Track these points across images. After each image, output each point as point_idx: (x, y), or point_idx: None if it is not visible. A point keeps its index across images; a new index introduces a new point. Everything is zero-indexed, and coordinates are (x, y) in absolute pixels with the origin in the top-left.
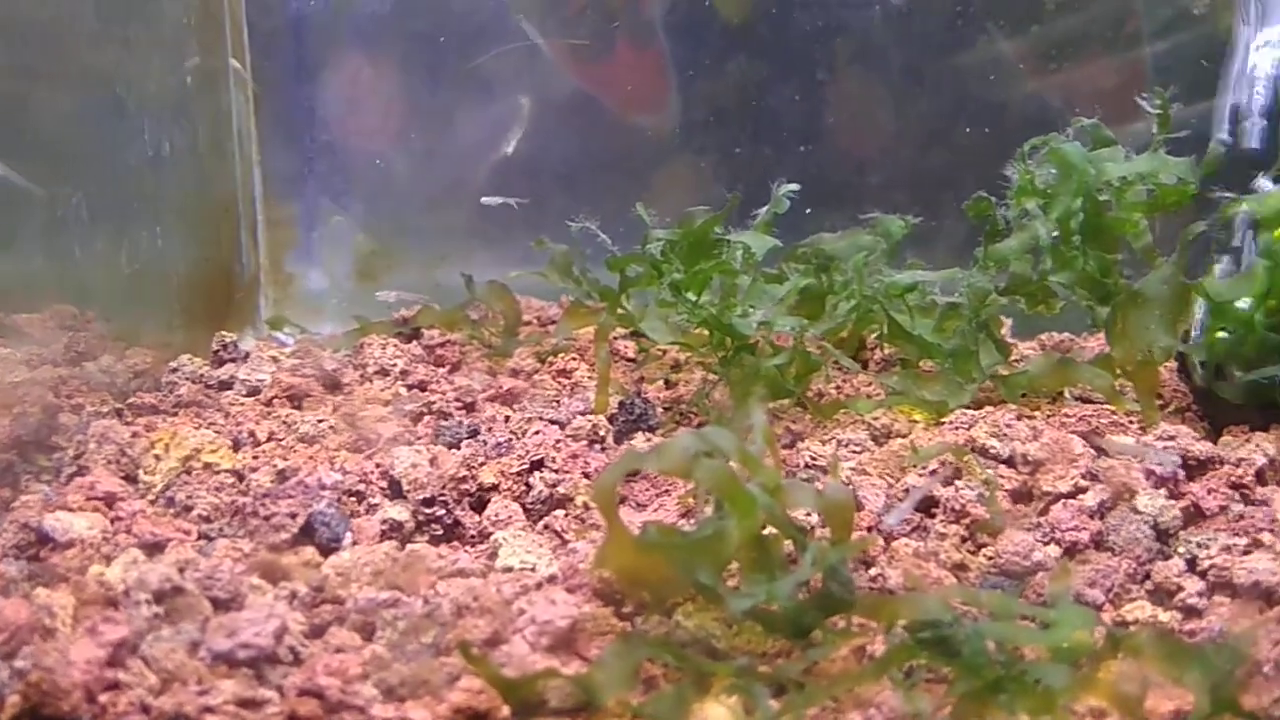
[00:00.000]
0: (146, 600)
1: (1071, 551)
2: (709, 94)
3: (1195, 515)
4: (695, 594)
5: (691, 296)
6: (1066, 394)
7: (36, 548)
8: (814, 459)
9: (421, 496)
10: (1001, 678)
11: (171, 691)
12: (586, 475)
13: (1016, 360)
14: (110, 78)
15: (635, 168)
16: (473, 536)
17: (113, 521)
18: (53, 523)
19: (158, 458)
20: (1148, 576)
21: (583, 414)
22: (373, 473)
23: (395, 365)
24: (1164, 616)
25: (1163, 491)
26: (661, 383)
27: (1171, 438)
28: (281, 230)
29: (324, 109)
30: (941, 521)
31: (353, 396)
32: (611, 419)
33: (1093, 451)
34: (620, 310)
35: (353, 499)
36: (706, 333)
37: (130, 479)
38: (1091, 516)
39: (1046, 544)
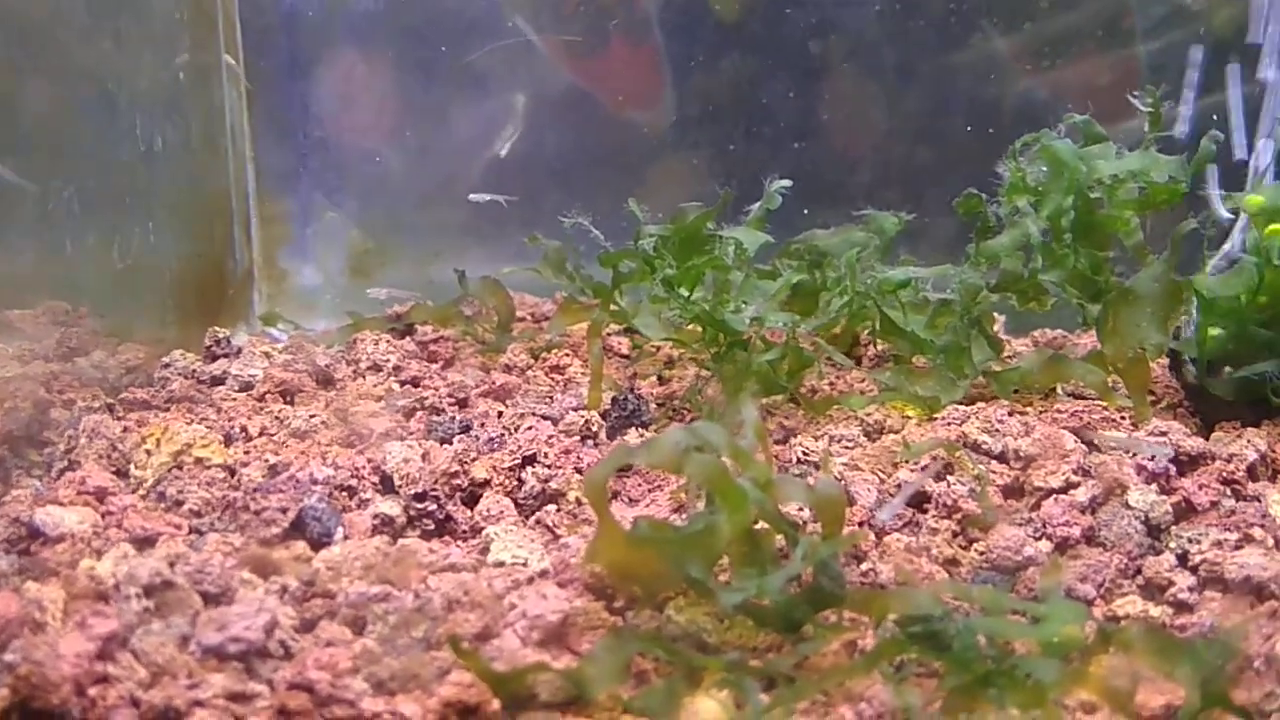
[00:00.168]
0: (137, 594)
1: (1063, 546)
2: (703, 90)
3: (1186, 510)
4: (686, 588)
5: (684, 292)
6: (1059, 390)
7: (27, 542)
8: (806, 454)
9: (413, 491)
10: (992, 672)
11: (161, 685)
12: (579, 471)
13: (1009, 357)
14: (102, 73)
15: (629, 164)
16: (464, 531)
17: (103, 516)
18: (43, 517)
19: (149, 452)
20: (1139, 571)
21: (576, 410)
22: (364, 468)
23: (388, 361)
24: (1155, 611)
25: (1154, 487)
26: (655, 379)
27: (1163, 434)
28: (275, 226)
29: (317, 105)
30: (933, 517)
31: (345, 392)
32: (604, 415)
33: (1084, 447)
34: (613, 306)
35: (344, 494)
36: (699, 329)
37: (121, 474)
38: (1083, 512)
39: (1038, 539)
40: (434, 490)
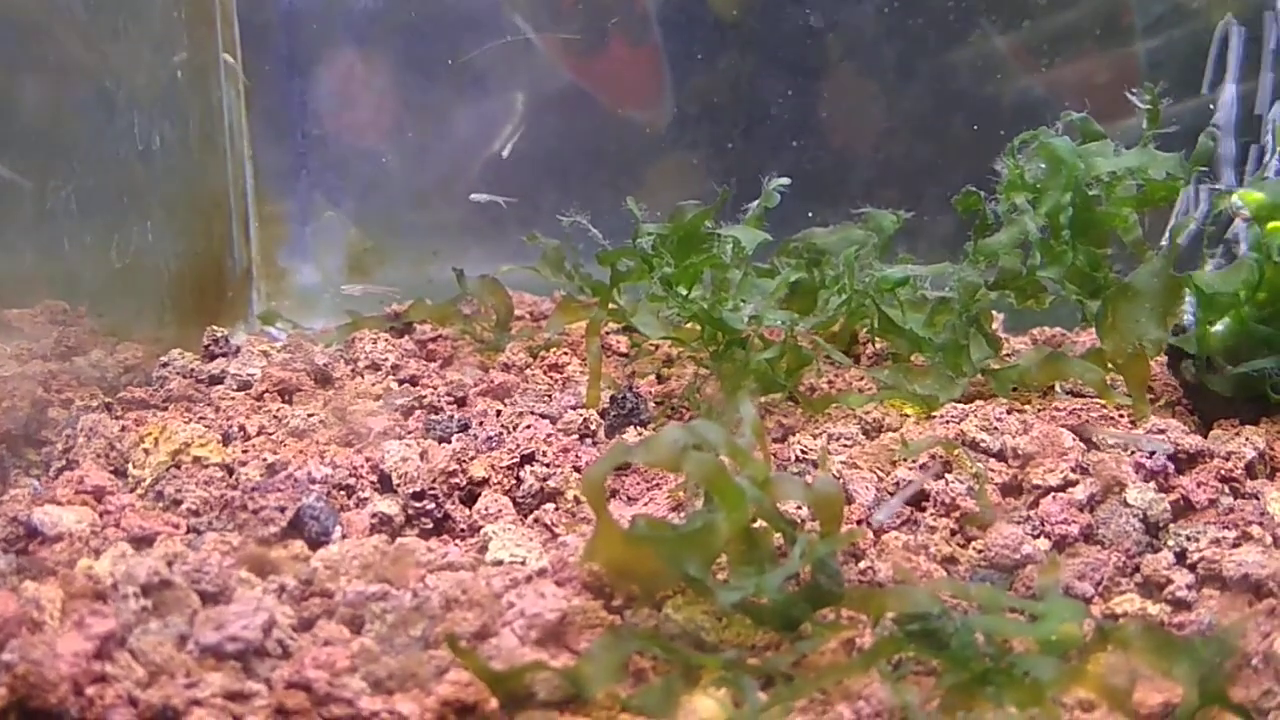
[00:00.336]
0: (134, 593)
1: (1061, 544)
2: (702, 89)
3: (1185, 508)
4: (684, 587)
5: (682, 291)
6: (1057, 388)
7: (25, 541)
8: (805, 453)
9: (411, 490)
10: (990, 670)
11: (159, 684)
12: (577, 469)
13: (1007, 355)
14: (100, 71)
15: (627, 162)
16: (462, 530)
17: (101, 515)
18: (41, 516)
19: (147, 452)
20: (1137, 569)
21: (574, 408)
22: (362, 467)
23: (386, 360)
24: (1153, 609)
25: (1152, 485)
26: (653, 377)
27: (1162, 431)
28: (274, 225)
29: (316, 104)
30: (931, 515)
31: (343, 391)
32: (603, 413)
33: (1082, 445)
34: (612, 305)
35: (342, 493)
36: (698, 327)
37: (119, 473)
38: (1081, 510)
39: (1036, 537)
40: (432, 489)
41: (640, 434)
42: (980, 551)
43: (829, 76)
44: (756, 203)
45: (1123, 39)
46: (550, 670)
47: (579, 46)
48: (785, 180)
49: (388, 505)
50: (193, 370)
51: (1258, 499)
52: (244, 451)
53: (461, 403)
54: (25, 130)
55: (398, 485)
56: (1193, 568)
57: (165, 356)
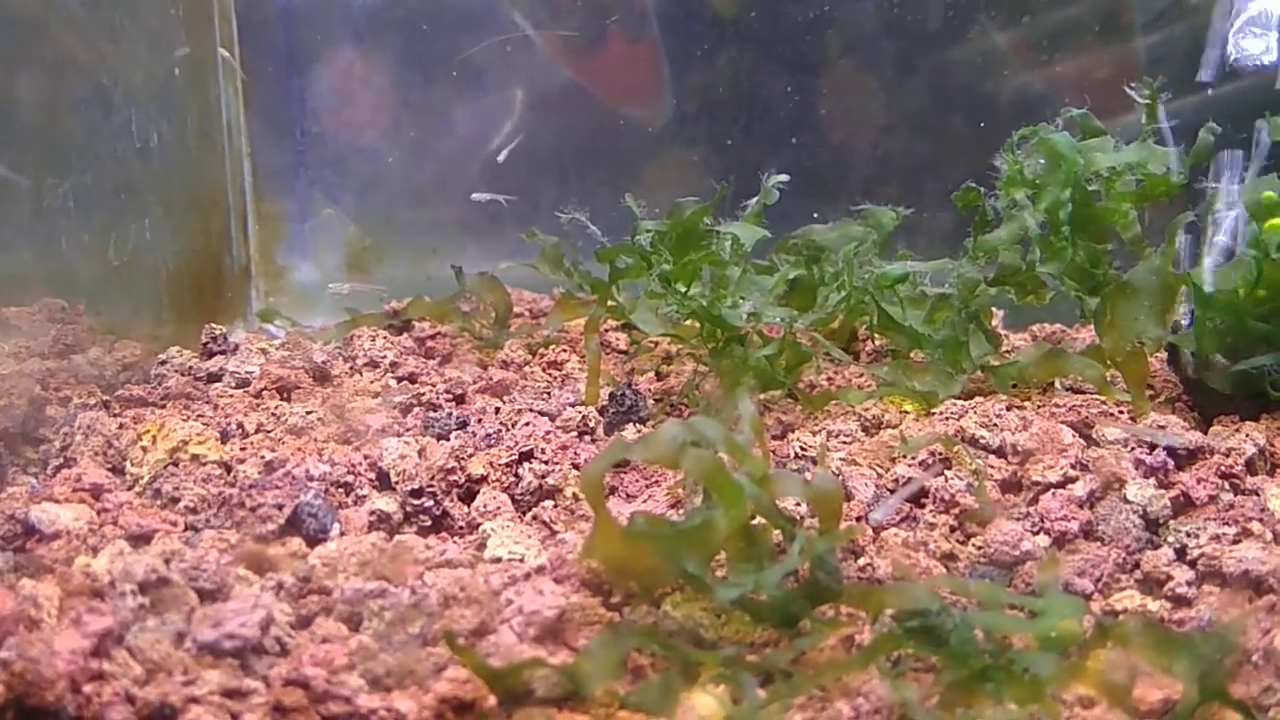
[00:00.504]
0: (132, 591)
1: (1060, 541)
2: (700, 86)
3: (1185, 505)
4: (683, 584)
5: (681, 288)
6: (1057, 385)
7: (22, 539)
8: (804, 449)
9: (410, 488)
10: (989, 667)
11: (157, 682)
12: (576, 466)
13: (1007, 351)
14: (97, 68)
15: (626, 159)
16: (461, 527)
17: (99, 513)
18: (39, 514)
19: (145, 449)
20: (1137, 566)
21: (573, 405)
22: (361, 464)
23: (385, 357)
24: (1153, 606)
25: (1152, 481)
26: (652, 374)
27: (1162, 427)
28: (272, 223)
29: (315, 101)
30: (931, 511)
31: (342, 388)
32: (602, 410)
33: (1082, 441)
34: (611, 302)
35: (340, 490)
36: (697, 324)
37: (117, 471)
38: (1081, 506)
39: (1036, 533)
40: (431, 486)
41: (639, 431)
42: (980, 548)
43: (828, 73)
44: (755, 199)
45: (1122, 35)
46: (549, 667)
47: (578, 44)
48: (784, 177)
49: (386, 502)
50: (191, 368)
51: (1258, 495)
52: (242, 449)
53: (460, 400)
54: (23, 128)
55: (396, 482)
56: (1193, 564)
57: (163, 354)
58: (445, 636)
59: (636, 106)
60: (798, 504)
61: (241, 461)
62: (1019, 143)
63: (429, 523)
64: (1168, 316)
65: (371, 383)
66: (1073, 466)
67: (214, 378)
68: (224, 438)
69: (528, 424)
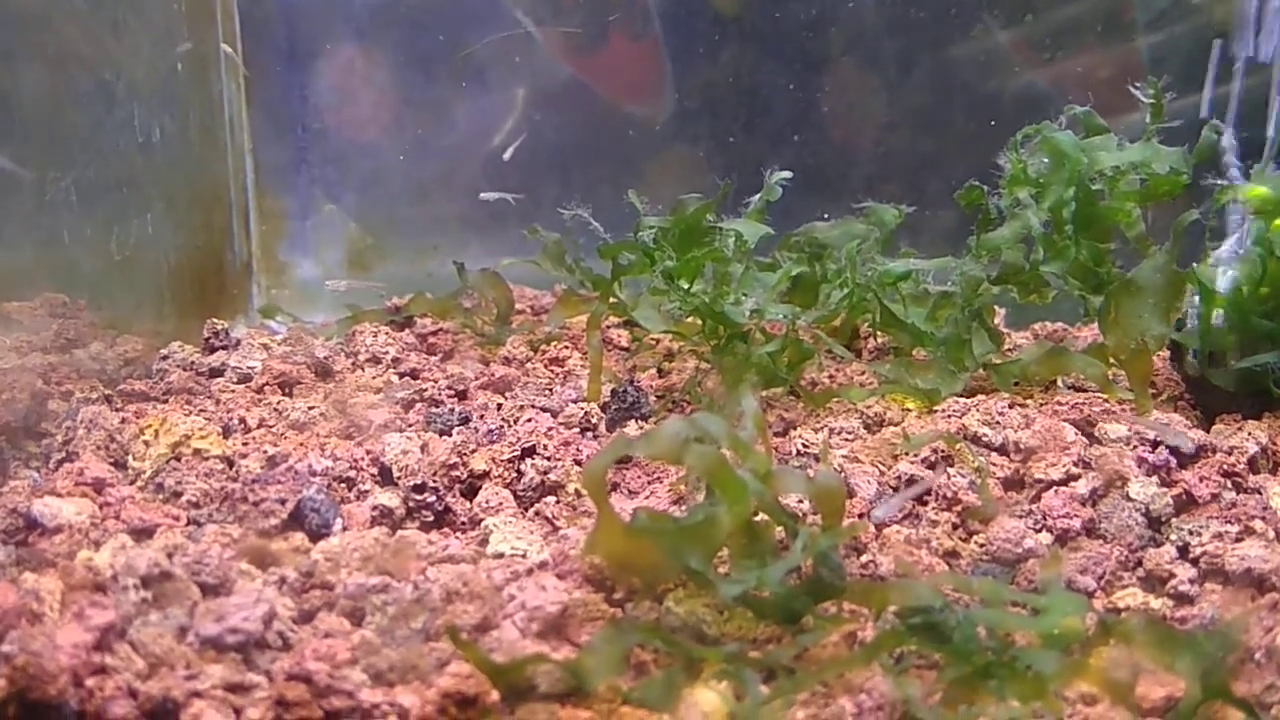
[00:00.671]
0: (134, 585)
1: (1063, 538)
2: (702, 83)
3: (1187, 503)
4: (686, 580)
5: (684, 284)
6: (1059, 383)
7: (25, 533)
8: (806, 446)
9: (412, 483)
10: (992, 664)
11: (159, 676)
12: (578, 463)
13: (1009, 350)
14: (100, 62)
15: (629, 156)
16: (463, 523)
17: (101, 507)
18: (41, 508)
19: (147, 444)
20: (1139, 564)
21: (575, 402)
22: (363, 459)
23: (387, 353)
24: (1155, 603)
25: (1155, 479)
26: (654, 371)
27: (1165, 424)
28: (274, 219)
29: (316, 97)
30: (933, 509)
31: (344, 384)
32: (604, 407)
33: (1085, 439)
34: (613, 299)
35: (343, 485)
36: (699, 321)
37: (119, 465)
38: (1083, 504)
39: (1038, 531)
40: (433, 482)
41: (641, 428)
42: (982, 545)
43: (830, 70)
44: (758, 196)
45: (1124, 34)
46: (551, 663)
47: (580, 41)
48: (787, 174)
49: (388, 498)
50: (193, 363)
51: (1260, 494)
52: (244, 444)
53: (462, 396)
54: (25, 122)
55: (398, 478)
56: (1195, 562)
57: (165, 349)
58: (448, 631)
59: (638, 103)
60: (800, 501)
61: (244, 456)
62: (1023, 141)
63: (431, 518)
64: (1171, 315)
65: (373, 378)
66: (1075, 464)
67: (216, 373)
68: (226, 433)
69: (530, 420)
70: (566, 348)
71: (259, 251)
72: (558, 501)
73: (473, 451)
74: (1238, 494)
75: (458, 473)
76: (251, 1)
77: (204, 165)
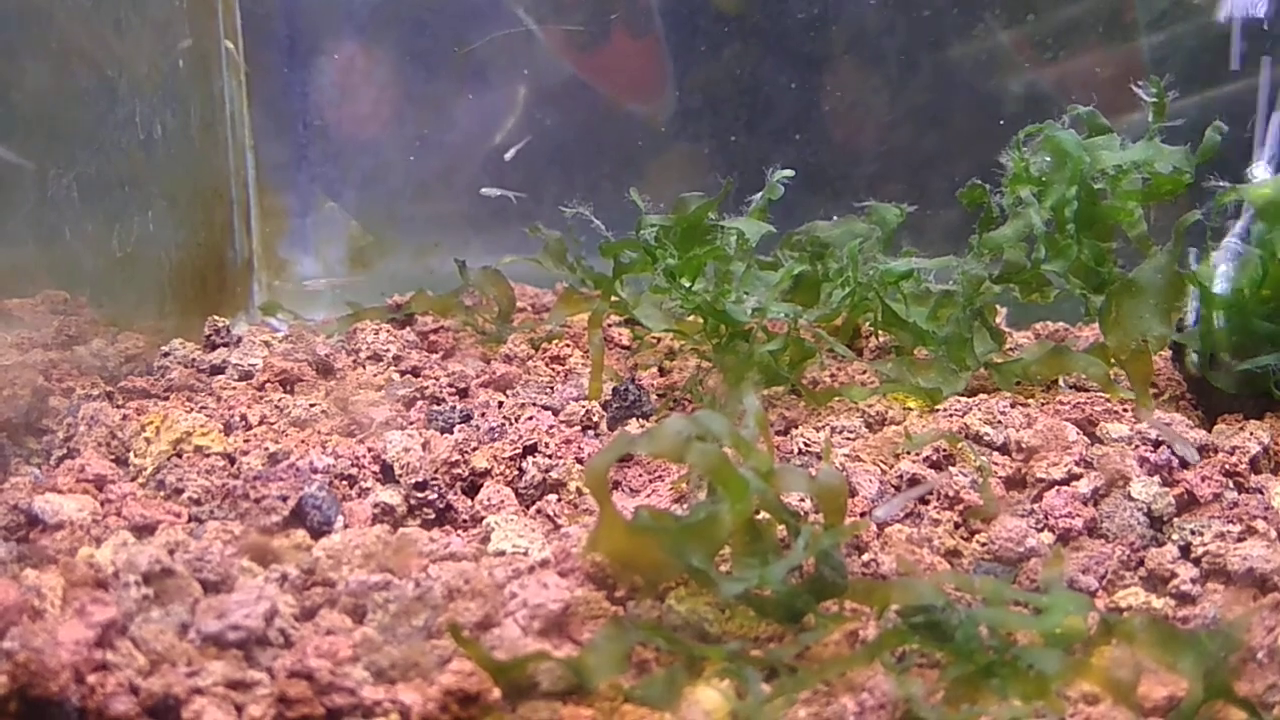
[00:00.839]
0: (136, 582)
1: (1065, 538)
2: (705, 81)
3: (1189, 502)
4: (687, 578)
5: (685, 283)
6: (1060, 382)
7: (26, 529)
8: (807, 445)
9: (413, 480)
10: (994, 663)
11: (160, 673)
12: (579, 461)
13: (1009, 349)
14: (101, 59)
15: (630, 154)
16: (465, 521)
17: (102, 504)
18: (42, 505)
19: (148, 441)
20: (1141, 563)
21: (576, 400)
22: (364, 457)
23: (388, 351)
24: (1158, 603)
25: (1156, 479)
26: (655, 369)
27: (1166, 424)
28: (275, 217)
29: (317, 94)
30: (935, 508)
31: (345, 381)
32: (605, 405)
33: (1087, 439)
34: (614, 297)
35: (344, 483)
36: (700, 320)
37: (120, 462)
38: (1085, 503)
39: (1040, 530)
40: (434, 479)
41: (642, 426)
42: (984, 545)
43: (833, 69)
44: (760, 195)
45: (1125, 34)
46: (553, 660)
47: (581, 39)
48: (789, 172)
49: (390, 495)
50: (194, 360)
51: (1262, 494)
52: (245, 441)
53: (463, 394)
54: (26, 118)
55: (400, 475)
56: (1197, 562)
57: (166, 346)
58: (450, 629)
59: (640, 102)
60: (802, 499)
61: (245, 453)
62: (1025, 140)
63: (433, 516)
64: (1172, 315)
65: (375, 376)
66: (1077, 464)
67: (217, 370)
68: (227, 430)
69: (531, 418)
70: (568, 346)
71: (259, 249)
72: (559, 499)
73: (474, 449)
74: (1239, 494)
75: (459, 470)
76: None
77: (205, 162)
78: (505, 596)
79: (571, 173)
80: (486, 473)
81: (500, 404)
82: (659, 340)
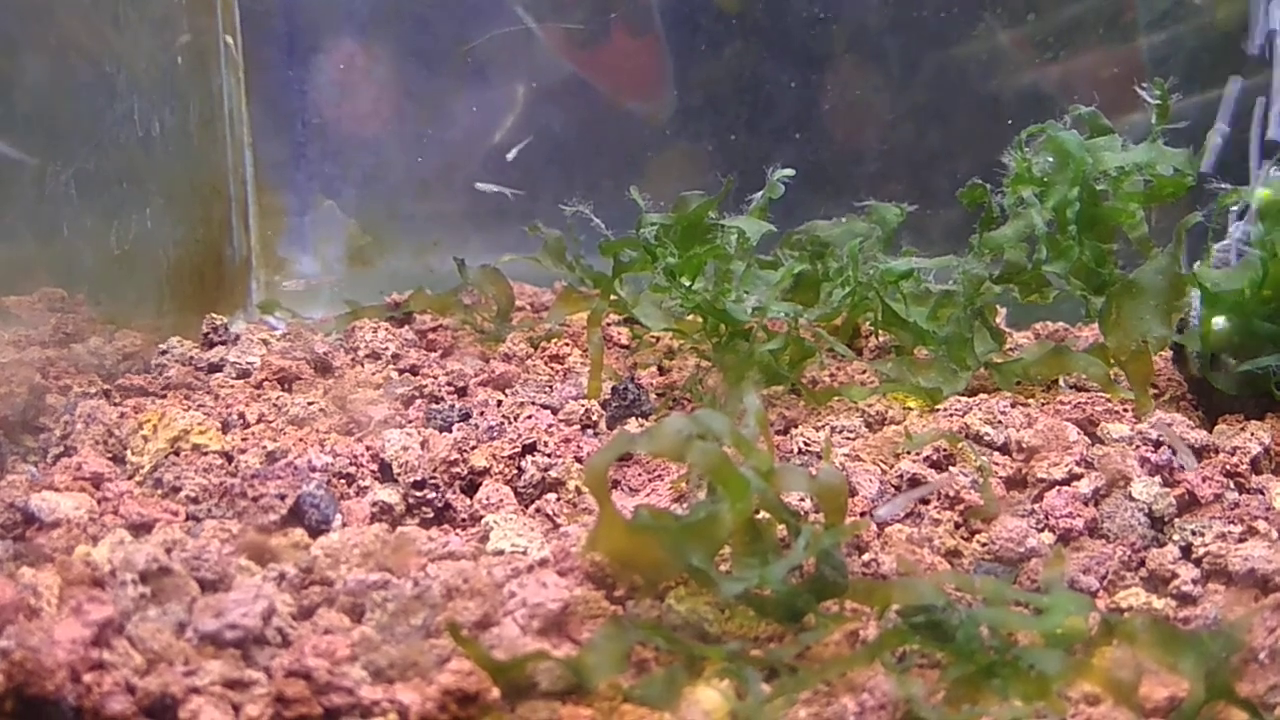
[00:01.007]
0: (133, 580)
1: (1066, 538)
2: (705, 80)
3: (1190, 503)
4: (687, 578)
5: (685, 282)
6: (1061, 382)
7: (22, 527)
8: (808, 445)
9: (412, 479)
10: (995, 663)
11: (157, 672)
12: (579, 460)
13: (1010, 349)
14: (100, 55)
15: (630, 153)
16: (463, 520)
17: (99, 502)
18: (39, 503)
19: (146, 439)
20: (1142, 564)
21: (575, 399)
22: (363, 455)
23: (387, 349)
24: (1159, 603)
25: (1157, 479)
26: (655, 368)
27: (1167, 425)
28: (273, 214)
29: (316, 92)
30: (935, 508)
31: (343, 380)
32: (604, 404)
33: (1087, 439)
34: (614, 296)
35: (342, 481)
36: (700, 319)
37: (117, 460)
38: (1086, 503)
39: (1040, 530)
40: (433, 478)
41: (642, 425)
42: (985, 545)
43: (833, 68)
44: (760, 194)
45: (1125, 34)
46: (552, 660)
47: (581, 37)
48: (789, 171)
49: (388, 494)
50: (192, 358)
51: (1263, 494)
52: (243, 439)
53: (462, 392)
54: (25, 114)
55: (398, 474)
56: (1198, 562)
57: (164, 344)
58: (448, 628)
59: (640, 100)
60: (802, 499)
61: (243, 452)
62: (1027, 140)
63: (431, 515)
64: (1173, 316)
65: (373, 374)
66: (1078, 464)
67: (215, 368)
68: (225, 428)
69: (530, 417)
70: (567, 345)
71: (258, 247)
72: (558, 498)
73: (473, 448)
74: (1240, 494)
75: (458, 469)
76: None
77: (204, 159)
78: (504, 596)
79: (571, 171)
80: (485, 471)
81: (499, 403)
82: (658, 339)
